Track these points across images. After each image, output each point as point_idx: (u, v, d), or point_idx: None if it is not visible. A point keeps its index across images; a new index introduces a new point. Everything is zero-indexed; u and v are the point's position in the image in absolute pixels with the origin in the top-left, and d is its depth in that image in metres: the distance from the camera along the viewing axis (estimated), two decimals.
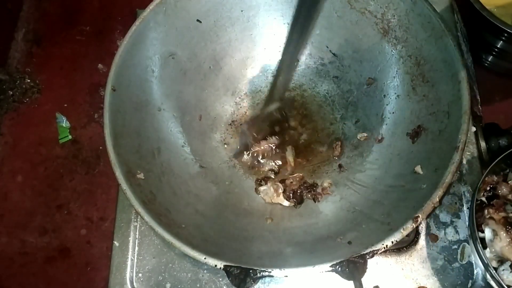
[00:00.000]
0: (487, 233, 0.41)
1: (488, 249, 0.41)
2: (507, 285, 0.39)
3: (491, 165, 0.42)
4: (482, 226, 0.42)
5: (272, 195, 0.49)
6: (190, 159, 0.52)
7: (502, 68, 0.57)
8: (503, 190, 0.43)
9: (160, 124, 0.51)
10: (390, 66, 0.51)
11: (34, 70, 0.65)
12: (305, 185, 0.49)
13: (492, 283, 0.40)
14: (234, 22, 0.54)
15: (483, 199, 0.43)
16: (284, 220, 0.49)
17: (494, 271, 0.39)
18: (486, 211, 0.42)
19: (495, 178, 0.44)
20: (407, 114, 0.49)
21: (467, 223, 0.46)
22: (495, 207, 0.41)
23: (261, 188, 0.50)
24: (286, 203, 0.49)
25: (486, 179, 0.43)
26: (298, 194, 0.49)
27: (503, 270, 0.40)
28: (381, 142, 0.51)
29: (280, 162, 0.53)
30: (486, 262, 0.40)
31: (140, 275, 0.49)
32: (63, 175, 0.58)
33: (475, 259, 0.42)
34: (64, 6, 0.69)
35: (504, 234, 0.39)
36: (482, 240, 0.41)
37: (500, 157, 0.43)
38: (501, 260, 0.40)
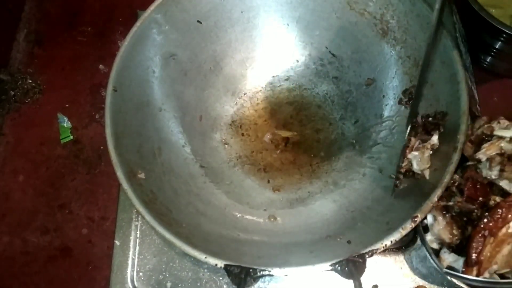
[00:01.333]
0: (429, 219, 0.45)
1: (429, 232, 0.45)
2: (447, 265, 0.44)
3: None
4: None
5: (425, 153, 0.45)
6: (191, 159, 0.52)
7: (501, 68, 0.57)
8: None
9: (161, 124, 0.51)
10: (389, 67, 0.51)
11: (36, 71, 0.65)
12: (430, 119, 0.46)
13: (432, 262, 0.45)
14: (234, 23, 0.55)
15: None
16: (284, 220, 0.49)
17: (432, 251, 0.45)
18: None
19: None
20: (405, 114, 0.49)
21: None
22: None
23: (414, 162, 0.45)
24: (435, 138, 0.45)
25: None
26: (430, 126, 0.46)
27: (444, 252, 0.45)
28: (380, 142, 0.51)
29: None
30: (426, 243, 0.45)
31: (141, 274, 0.49)
32: (65, 175, 0.59)
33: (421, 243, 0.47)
34: (66, 7, 0.70)
35: (441, 218, 0.44)
36: (426, 227, 0.46)
37: None
38: (442, 243, 0.45)
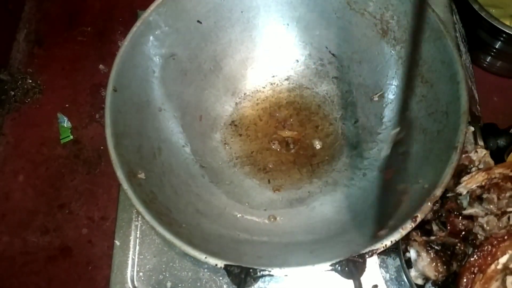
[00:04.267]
0: (412, 254, 0.44)
1: (413, 268, 0.44)
2: None
3: None
4: (408, 247, 0.45)
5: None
6: (191, 159, 0.52)
7: (500, 68, 0.57)
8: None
9: (161, 124, 0.51)
10: (389, 67, 0.51)
11: (36, 71, 0.65)
12: None
13: None
14: (234, 23, 0.55)
15: None
16: (284, 220, 0.49)
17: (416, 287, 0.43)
18: (410, 234, 0.44)
19: None
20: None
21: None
22: (420, 231, 0.45)
23: None
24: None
25: None
26: None
27: (429, 287, 0.44)
28: (380, 142, 0.51)
29: None
30: (410, 279, 0.44)
31: (141, 274, 0.49)
32: (65, 175, 0.59)
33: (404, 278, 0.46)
34: (66, 7, 0.70)
35: (425, 254, 0.43)
36: (409, 260, 0.45)
37: None
38: (426, 278, 0.44)
